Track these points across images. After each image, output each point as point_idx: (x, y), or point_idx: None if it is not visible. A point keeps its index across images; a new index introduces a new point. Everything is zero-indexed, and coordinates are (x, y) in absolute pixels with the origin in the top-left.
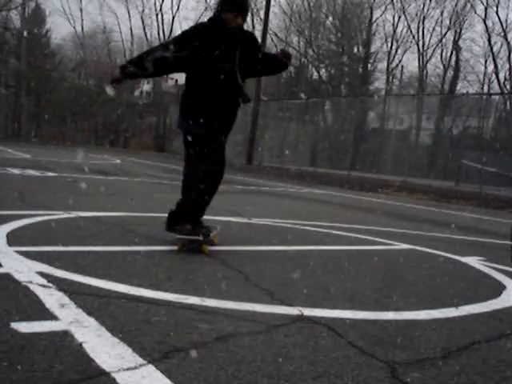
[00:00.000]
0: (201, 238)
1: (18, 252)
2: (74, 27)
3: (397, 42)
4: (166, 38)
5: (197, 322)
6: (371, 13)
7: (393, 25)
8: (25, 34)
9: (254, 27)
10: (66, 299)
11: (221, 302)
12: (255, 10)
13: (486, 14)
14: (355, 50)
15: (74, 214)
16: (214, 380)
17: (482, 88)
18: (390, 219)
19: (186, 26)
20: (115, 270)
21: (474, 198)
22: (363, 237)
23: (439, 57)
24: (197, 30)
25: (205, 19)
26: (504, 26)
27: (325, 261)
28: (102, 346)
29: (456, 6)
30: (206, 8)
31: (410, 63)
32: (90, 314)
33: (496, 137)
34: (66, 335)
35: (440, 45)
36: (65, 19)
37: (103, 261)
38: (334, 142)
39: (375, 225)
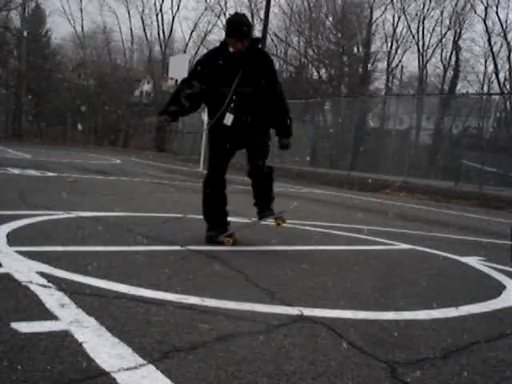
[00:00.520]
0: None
1: (18, 252)
2: (74, 27)
3: (397, 42)
4: (166, 38)
5: (197, 322)
6: (371, 13)
7: (393, 25)
8: (25, 34)
9: (254, 27)
10: (66, 299)
11: (221, 301)
12: (255, 10)
13: (486, 14)
14: (355, 50)
15: (74, 214)
16: (213, 380)
17: (482, 88)
18: (390, 219)
19: (186, 26)
20: (115, 269)
21: (474, 198)
22: (363, 237)
23: (439, 57)
24: (205, 57)
25: (205, 19)
26: (504, 26)
27: (325, 261)
28: (102, 346)
29: (456, 5)
30: (206, 8)
31: (410, 63)
32: (89, 314)
33: (496, 137)
34: (66, 335)
35: (440, 45)
36: (65, 19)
37: (103, 261)
38: (333, 142)
39: (375, 225)
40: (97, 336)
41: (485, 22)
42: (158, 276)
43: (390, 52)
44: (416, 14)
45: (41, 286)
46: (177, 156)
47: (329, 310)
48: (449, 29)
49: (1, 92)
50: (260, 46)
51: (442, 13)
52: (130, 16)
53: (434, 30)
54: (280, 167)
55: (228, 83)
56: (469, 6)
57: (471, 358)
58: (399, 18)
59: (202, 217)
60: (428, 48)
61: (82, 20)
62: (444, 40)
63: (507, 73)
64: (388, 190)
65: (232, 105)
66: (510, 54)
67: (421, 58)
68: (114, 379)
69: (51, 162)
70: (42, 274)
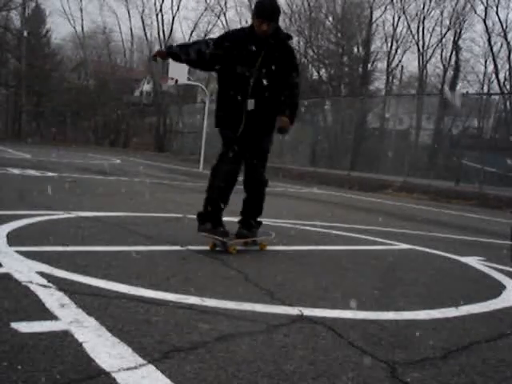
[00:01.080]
0: (225, 240)
1: (18, 252)
2: (74, 27)
3: (397, 42)
4: (166, 38)
5: (197, 322)
6: (371, 13)
7: (393, 25)
8: (25, 34)
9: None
10: (66, 299)
11: (221, 301)
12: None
13: (486, 14)
14: (355, 50)
15: (74, 214)
16: (214, 380)
17: (482, 88)
18: (390, 219)
19: (185, 26)
20: (115, 269)
21: (474, 198)
22: (363, 237)
23: (439, 57)
24: (232, 32)
25: (205, 19)
26: (504, 26)
27: (325, 261)
28: (102, 346)
29: (456, 5)
30: (206, 8)
31: (410, 63)
32: (89, 314)
33: (496, 137)
34: (65, 335)
35: (440, 45)
36: (65, 19)
37: (103, 261)
38: (333, 142)
39: (375, 225)
40: (97, 336)
41: (485, 22)
42: (157, 276)
43: (390, 52)
44: (416, 14)
45: (41, 285)
46: (177, 156)
47: (329, 309)
48: (449, 29)
49: (1, 92)
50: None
51: (441, 13)
52: (129, 16)
53: (433, 29)
54: (280, 167)
55: (247, 63)
56: (469, 5)
57: (471, 357)
58: (399, 17)
59: None
60: (428, 48)
61: (82, 20)
62: (444, 40)
63: (507, 73)
64: (388, 190)
65: (249, 89)
66: (510, 54)
67: (421, 57)
68: (114, 379)
69: (51, 162)
70: (42, 274)
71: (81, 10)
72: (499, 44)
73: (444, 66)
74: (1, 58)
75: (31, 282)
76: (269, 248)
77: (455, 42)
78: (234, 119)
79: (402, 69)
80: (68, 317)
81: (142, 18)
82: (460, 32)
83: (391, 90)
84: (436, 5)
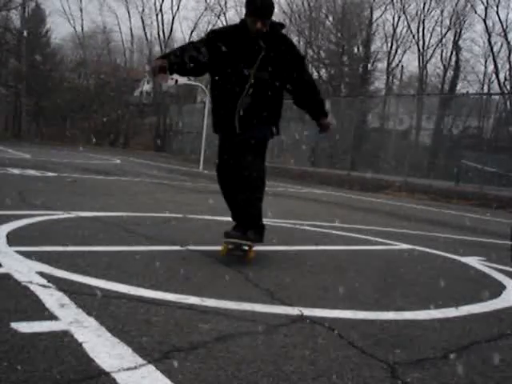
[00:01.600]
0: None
1: (18, 252)
2: (74, 27)
3: (397, 41)
4: (166, 37)
5: (197, 322)
6: (371, 13)
7: (393, 25)
8: (25, 33)
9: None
10: (66, 299)
11: (221, 301)
12: None
13: (486, 14)
14: (355, 50)
15: (73, 214)
16: (214, 380)
17: (482, 88)
18: (390, 219)
19: (185, 26)
20: (115, 269)
21: (474, 198)
22: (363, 237)
23: (439, 57)
24: (222, 30)
25: (205, 19)
26: (504, 25)
27: (325, 261)
28: (102, 346)
29: (456, 6)
30: (206, 8)
31: (410, 63)
32: (89, 314)
33: (496, 137)
34: (65, 335)
35: (440, 45)
36: (65, 19)
37: (103, 261)
38: (333, 142)
39: (375, 225)
40: (97, 336)
41: (485, 22)
42: (157, 276)
43: (390, 52)
44: (416, 14)
45: (41, 286)
46: (177, 156)
47: (329, 309)
48: (449, 29)
49: (1, 92)
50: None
51: (442, 13)
52: (129, 16)
53: (433, 29)
54: (280, 167)
55: (245, 65)
56: (469, 5)
57: (471, 357)
58: (399, 17)
59: (201, 217)
60: (428, 48)
61: (82, 20)
62: (444, 40)
63: (507, 73)
64: (388, 190)
65: (251, 89)
66: (510, 54)
67: (421, 57)
68: (114, 379)
69: (51, 161)
70: (42, 274)
71: (81, 10)
72: (499, 44)
73: (444, 66)
74: (1, 58)
75: (31, 282)
76: (269, 248)
77: (455, 42)
78: (231, 121)
79: (402, 69)
80: (68, 317)
81: (141, 17)
82: (460, 32)
83: (391, 90)
84: (436, 5)
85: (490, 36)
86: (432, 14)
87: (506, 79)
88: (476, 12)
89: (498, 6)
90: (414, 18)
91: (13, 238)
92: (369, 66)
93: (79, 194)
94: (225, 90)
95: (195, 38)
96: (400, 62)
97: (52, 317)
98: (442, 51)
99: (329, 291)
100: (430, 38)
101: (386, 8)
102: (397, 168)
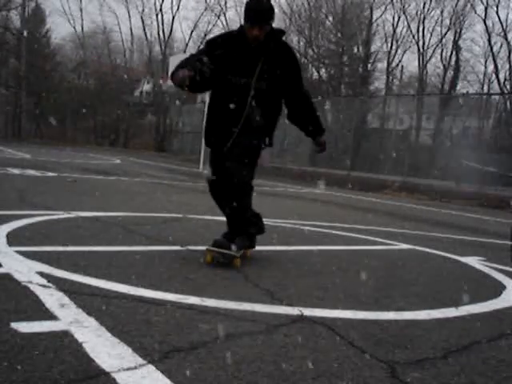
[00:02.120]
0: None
1: (18, 252)
2: (74, 27)
3: (397, 41)
4: (166, 37)
5: (197, 321)
6: (371, 13)
7: (393, 25)
8: (25, 33)
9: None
10: (66, 299)
11: (221, 301)
12: None
13: (485, 14)
14: (355, 50)
15: (73, 214)
16: (213, 380)
17: (482, 88)
18: (390, 219)
19: (185, 26)
20: (115, 269)
21: (474, 198)
22: (363, 237)
23: (439, 57)
24: (222, 37)
25: (205, 19)
26: (504, 25)
27: (325, 261)
28: (102, 346)
29: (456, 6)
30: (206, 8)
31: (410, 63)
32: (89, 314)
33: (496, 137)
34: (65, 335)
35: (440, 45)
36: (65, 19)
37: (103, 261)
38: (333, 142)
39: (375, 225)
40: (97, 336)
41: (485, 22)
42: (157, 276)
43: (390, 52)
44: (416, 14)
45: (41, 286)
46: (177, 156)
47: (329, 309)
48: (449, 29)
49: (1, 92)
50: (284, 38)
51: (441, 13)
52: (129, 16)
53: (434, 29)
54: (280, 167)
55: (244, 74)
56: (469, 5)
57: (471, 357)
58: (399, 17)
59: (201, 217)
60: (428, 48)
61: (82, 20)
62: (444, 40)
63: (507, 73)
64: (388, 190)
65: (253, 102)
66: (510, 54)
67: (421, 57)
68: (114, 379)
69: (51, 161)
70: (42, 274)
71: (81, 10)
72: (499, 44)
73: (444, 66)
74: (1, 58)
75: (31, 282)
76: (269, 248)
77: (455, 42)
78: (225, 133)
79: (402, 69)
80: (68, 317)
81: (141, 17)
82: (460, 32)
83: (391, 90)
84: (436, 5)
85: (489, 36)
86: (432, 13)
87: (505, 79)
88: (476, 12)
89: (497, 6)
90: (414, 18)
91: (13, 238)
92: (369, 66)
93: (79, 194)
94: (223, 102)
95: (195, 37)
96: (400, 62)
97: (52, 317)
98: (441, 51)
99: (329, 291)
100: (430, 38)
101: (385, 8)
102: (397, 168)
